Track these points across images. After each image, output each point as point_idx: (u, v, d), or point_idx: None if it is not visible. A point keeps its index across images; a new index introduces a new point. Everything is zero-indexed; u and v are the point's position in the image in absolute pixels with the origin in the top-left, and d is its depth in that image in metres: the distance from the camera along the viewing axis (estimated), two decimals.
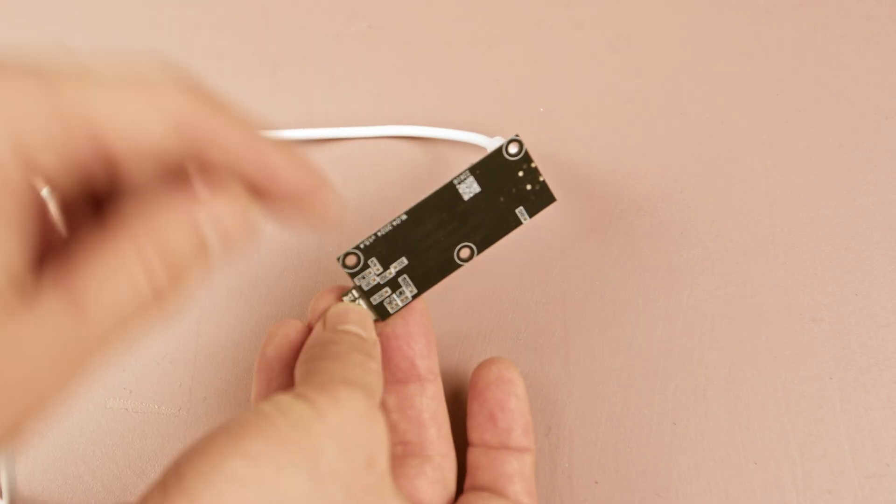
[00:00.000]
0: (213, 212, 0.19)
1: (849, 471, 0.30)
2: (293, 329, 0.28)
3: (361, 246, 0.29)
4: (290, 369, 0.27)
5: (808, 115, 0.36)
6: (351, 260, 0.29)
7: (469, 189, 0.30)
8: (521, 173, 0.30)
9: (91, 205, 0.20)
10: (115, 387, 0.32)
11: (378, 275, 0.29)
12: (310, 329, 0.28)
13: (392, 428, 0.28)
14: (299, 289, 0.34)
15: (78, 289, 0.16)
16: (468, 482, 0.28)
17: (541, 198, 0.30)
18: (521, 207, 0.30)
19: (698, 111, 0.37)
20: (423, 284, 0.30)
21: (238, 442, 0.19)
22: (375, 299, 0.29)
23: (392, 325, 0.29)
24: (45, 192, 0.18)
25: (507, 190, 0.30)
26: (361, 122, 0.37)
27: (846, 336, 0.32)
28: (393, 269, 0.29)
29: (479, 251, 0.30)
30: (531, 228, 0.34)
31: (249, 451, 0.19)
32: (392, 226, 0.29)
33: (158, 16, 0.39)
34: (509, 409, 0.28)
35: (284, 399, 0.21)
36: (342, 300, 0.29)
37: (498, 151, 0.30)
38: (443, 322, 0.33)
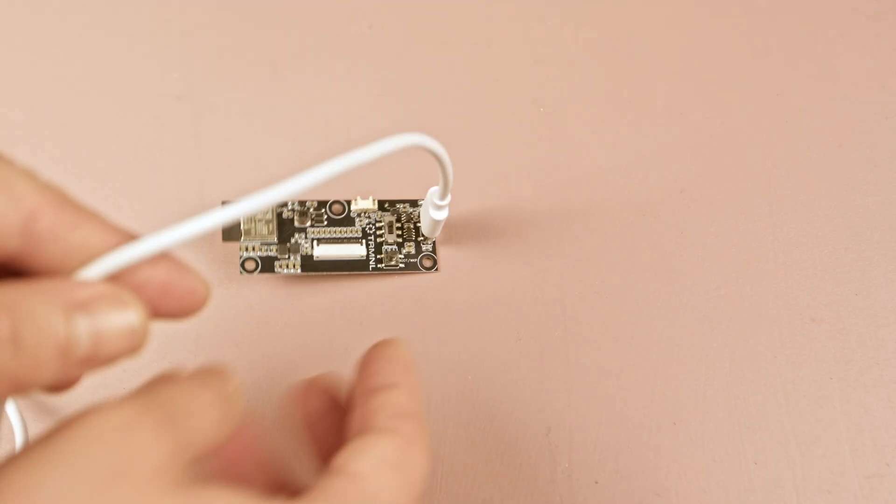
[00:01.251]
0: (91, 309, 0.17)
1: (849, 471, 0.30)
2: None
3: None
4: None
5: (808, 115, 0.36)
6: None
7: None
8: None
9: None
10: (116, 387, 0.32)
11: None
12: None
13: None
14: (297, 288, 0.34)
15: None
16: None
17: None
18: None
19: (698, 111, 0.37)
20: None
21: None
22: None
23: None
24: None
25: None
26: (359, 123, 0.37)
27: (846, 336, 0.32)
28: None
29: None
30: (530, 228, 0.34)
31: None
32: None
33: (158, 16, 0.39)
34: (381, 357, 0.24)
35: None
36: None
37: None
38: (441, 323, 0.33)
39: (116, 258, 0.18)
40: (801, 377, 0.32)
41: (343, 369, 0.32)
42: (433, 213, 0.32)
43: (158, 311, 0.19)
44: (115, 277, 0.18)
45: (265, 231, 0.33)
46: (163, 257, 0.19)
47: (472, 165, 0.36)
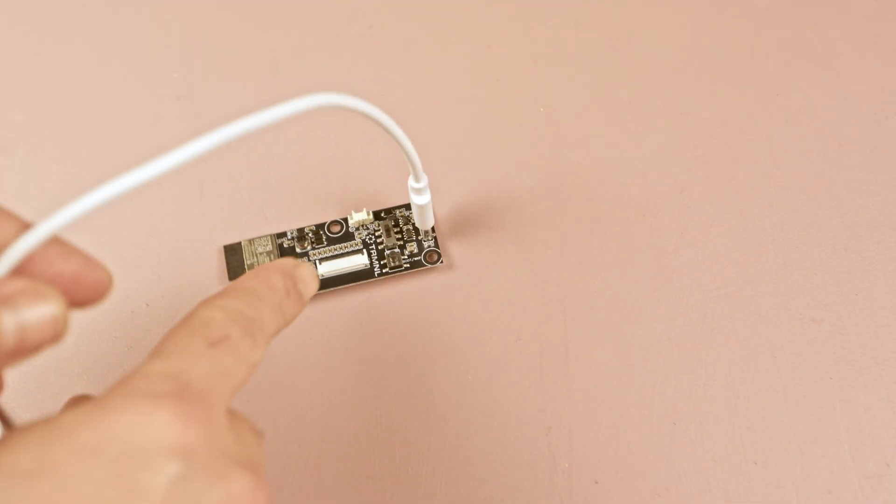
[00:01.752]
0: (14, 304, 0.18)
1: (849, 471, 0.30)
2: None
3: None
4: None
5: (808, 115, 0.36)
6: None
7: None
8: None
9: None
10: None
11: None
12: None
13: None
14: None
15: None
16: None
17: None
18: None
19: (698, 111, 0.37)
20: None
21: None
22: None
23: None
24: None
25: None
26: (359, 123, 0.37)
27: (846, 336, 0.32)
28: None
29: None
30: (530, 228, 0.35)
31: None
32: None
33: (159, 16, 0.39)
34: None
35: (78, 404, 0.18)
36: None
37: None
38: (441, 323, 0.33)
39: (18, 248, 0.19)
40: (801, 377, 0.32)
41: (342, 367, 0.32)
42: (415, 199, 0.32)
43: (71, 301, 0.20)
44: (32, 272, 0.19)
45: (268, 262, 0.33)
46: (73, 252, 0.20)
47: (471, 165, 0.36)
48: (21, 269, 0.19)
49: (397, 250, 0.34)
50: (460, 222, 0.35)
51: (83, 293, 0.20)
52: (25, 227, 0.19)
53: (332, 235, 0.34)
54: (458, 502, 0.30)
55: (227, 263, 0.34)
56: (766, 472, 0.30)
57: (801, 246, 0.34)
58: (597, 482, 0.30)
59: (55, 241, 0.20)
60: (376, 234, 0.34)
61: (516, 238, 0.34)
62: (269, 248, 0.34)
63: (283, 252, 0.34)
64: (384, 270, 0.34)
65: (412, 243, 0.34)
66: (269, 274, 0.24)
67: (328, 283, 0.34)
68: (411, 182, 0.31)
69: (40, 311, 0.18)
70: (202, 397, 0.19)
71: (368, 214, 0.34)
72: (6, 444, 0.17)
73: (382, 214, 0.35)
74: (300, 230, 0.34)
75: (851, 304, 0.33)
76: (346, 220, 0.35)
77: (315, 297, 0.33)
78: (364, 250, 0.34)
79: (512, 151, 0.36)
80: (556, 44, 0.38)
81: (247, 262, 0.34)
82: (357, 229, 0.34)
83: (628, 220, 0.35)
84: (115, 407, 0.18)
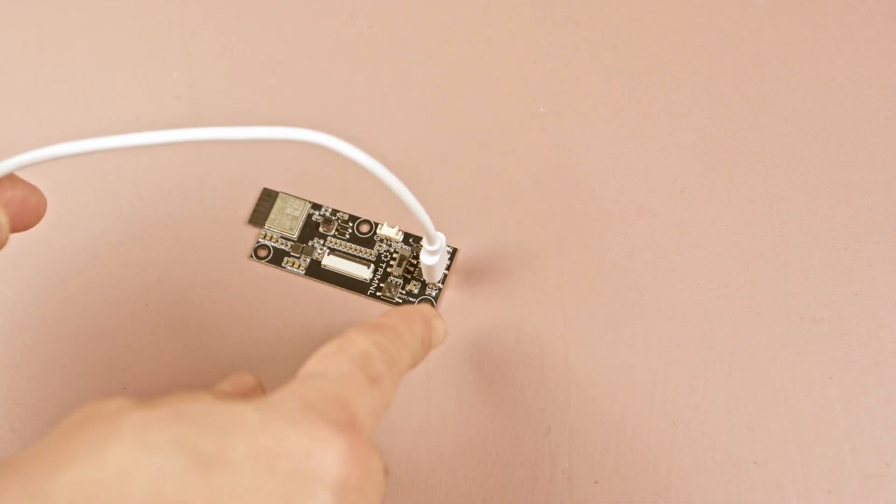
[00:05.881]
0: None
1: (849, 471, 0.30)
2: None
3: None
4: None
5: (808, 114, 0.36)
6: None
7: None
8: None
9: None
10: (115, 385, 0.32)
11: None
12: None
13: None
14: (299, 297, 0.34)
15: None
16: None
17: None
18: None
19: (698, 111, 0.37)
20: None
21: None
22: None
23: None
24: None
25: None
26: (359, 123, 0.37)
27: (846, 336, 0.32)
28: None
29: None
30: (530, 228, 0.35)
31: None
32: None
33: (159, 16, 0.39)
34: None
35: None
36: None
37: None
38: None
39: None
40: (801, 377, 0.32)
41: None
42: (424, 259, 0.31)
43: (20, 221, 0.25)
44: None
45: (288, 226, 0.34)
46: (19, 181, 0.25)
47: (470, 164, 0.36)
48: None
49: (399, 282, 0.34)
50: (459, 222, 0.35)
51: (28, 214, 0.25)
52: None
53: (358, 235, 0.34)
54: (458, 502, 0.30)
55: (256, 206, 0.35)
56: (766, 472, 0.30)
57: (801, 246, 0.34)
58: (597, 482, 0.30)
59: (9, 176, 0.25)
60: (393, 255, 0.34)
61: (516, 237, 0.34)
62: (298, 213, 0.34)
63: (307, 224, 0.34)
64: (377, 294, 0.33)
65: (417, 283, 0.33)
66: (414, 319, 0.25)
67: (323, 276, 0.34)
68: (424, 243, 0.30)
69: None
70: (366, 438, 0.20)
71: (398, 234, 0.33)
72: (188, 415, 0.19)
73: (411, 241, 0.34)
74: (334, 212, 0.35)
75: (851, 304, 0.33)
76: (377, 225, 0.34)
77: (317, 287, 0.34)
78: (372, 265, 0.33)
79: (511, 150, 0.36)
80: (556, 44, 0.38)
81: (272, 216, 0.34)
82: (381, 241, 0.34)
83: (628, 220, 0.35)
84: (296, 420, 0.19)
